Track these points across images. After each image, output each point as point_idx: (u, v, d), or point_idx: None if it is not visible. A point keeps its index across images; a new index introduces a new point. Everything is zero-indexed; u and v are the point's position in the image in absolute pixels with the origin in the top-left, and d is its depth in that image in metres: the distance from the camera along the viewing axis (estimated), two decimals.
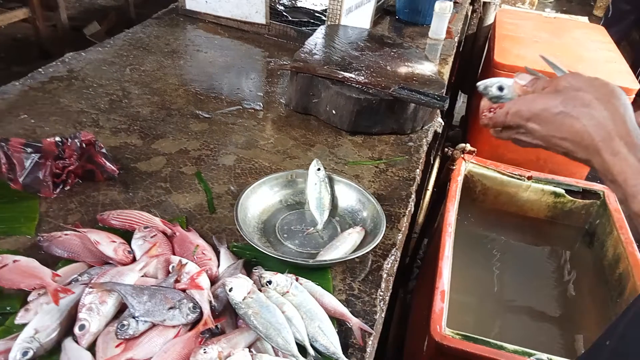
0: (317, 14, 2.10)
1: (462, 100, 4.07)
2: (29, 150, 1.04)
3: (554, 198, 1.91)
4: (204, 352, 0.74)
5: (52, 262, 0.89)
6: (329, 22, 1.85)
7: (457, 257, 1.58)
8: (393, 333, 1.96)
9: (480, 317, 1.86)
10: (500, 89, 0.71)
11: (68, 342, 0.76)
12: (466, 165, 1.89)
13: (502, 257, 2.11)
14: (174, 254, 0.94)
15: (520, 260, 2.11)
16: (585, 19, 3.56)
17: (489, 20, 3.09)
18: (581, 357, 0.80)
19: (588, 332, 1.75)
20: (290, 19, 2.05)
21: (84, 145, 1.07)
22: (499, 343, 1.26)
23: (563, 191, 1.88)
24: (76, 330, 0.76)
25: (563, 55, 2.67)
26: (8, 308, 0.80)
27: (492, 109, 0.72)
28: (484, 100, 0.75)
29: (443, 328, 1.29)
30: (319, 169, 1.13)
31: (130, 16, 4.62)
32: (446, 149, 1.79)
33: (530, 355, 1.25)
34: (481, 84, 0.74)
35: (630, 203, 0.58)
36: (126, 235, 0.96)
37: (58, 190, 1.07)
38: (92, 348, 0.76)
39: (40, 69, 1.55)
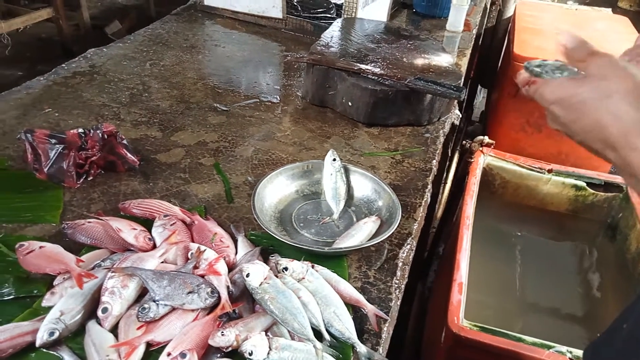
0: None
1: (482, 95, 4.03)
2: (53, 141, 1.07)
3: (575, 191, 1.88)
4: (222, 335, 0.75)
5: (76, 248, 0.91)
6: (345, 15, 1.86)
7: (475, 252, 1.57)
8: (412, 327, 1.96)
9: (499, 314, 1.84)
10: (539, 66, 0.71)
11: (92, 324, 0.78)
12: (484, 158, 1.88)
13: (522, 252, 2.09)
14: (192, 241, 0.96)
15: (540, 255, 2.09)
16: (608, 10, 3.49)
17: (509, 12, 3.05)
18: (598, 340, 0.79)
19: None
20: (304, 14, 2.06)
21: (105, 136, 1.10)
22: (517, 335, 1.26)
23: (584, 184, 1.85)
24: (99, 313, 0.79)
25: None
26: (35, 291, 0.83)
27: (529, 83, 0.72)
28: (523, 72, 0.75)
29: (461, 319, 1.28)
30: (334, 159, 1.14)
31: (150, 14, 4.69)
32: (464, 142, 1.78)
33: (549, 347, 1.24)
34: (526, 63, 0.75)
35: None
36: (147, 223, 0.98)
37: (81, 180, 1.10)
38: (114, 330, 0.78)
39: (63, 65, 1.59)
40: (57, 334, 0.75)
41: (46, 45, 4.32)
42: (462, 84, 1.44)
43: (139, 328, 0.78)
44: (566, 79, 0.66)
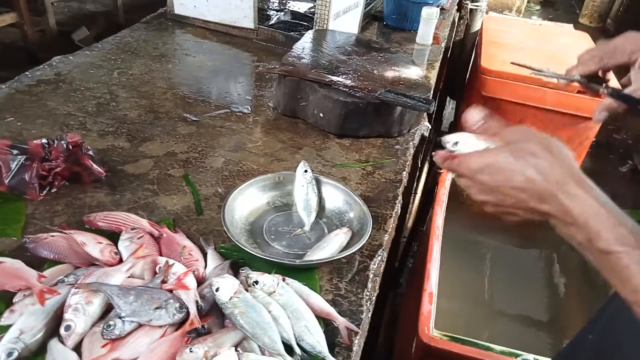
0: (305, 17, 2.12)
1: (450, 106, 4.11)
2: (15, 152, 1.03)
3: None
4: (190, 351, 0.74)
5: (38, 263, 0.88)
6: (317, 27, 1.87)
7: (445, 261, 1.59)
8: (383, 336, 1.97)
9: (469, 322, 1.87)
10: (455, 143, 0.74)
11: (54, 343, 0.75)
12: None
13: (491, 261, 2.13)
14: (161, 255, 0.94)
15: (508, 263, 2.13)
16: (570, 26, 3.62)
17: (476, 26, 3.13)
18: (564, 351, 0.81)
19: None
20: (277, 22, 2.07)
21: (70, 147, 1.07)
22: (486, 344, 1.28)
23: None
24: (62, 330, 0.76)
25: (549, 61, 2.71)
26: None
27: (449, 158, 0.74)
28: (440, 151, 0.77)
29: (431, 329, 1.30)
30: (306, 171, 1.14)
31: (119, 21, 4.61)
32: (433, 153, 1.81)
33: (517, 355, 1.26)
34: (442, 138, 0.77)
35: (595, 242, 0.58)
36: (113, 237, 0.96)
37: (44, 192, 1.06)
38: (78, 348, 0.75)
39: (27, 72, 1.55)
40: (16, 354, 0.72)
41: (10, 51, 4.20)
42: (431, 96, 1.47)
43: (103, 346, 0.75)
44: (487, 149, 0.68)
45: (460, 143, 0.73)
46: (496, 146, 0.67)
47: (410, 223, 2.28)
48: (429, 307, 1.35)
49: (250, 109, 1.54)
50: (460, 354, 1.25)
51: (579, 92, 2.42)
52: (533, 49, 2.89)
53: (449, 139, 0.75)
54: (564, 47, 2.95)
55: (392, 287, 2.28)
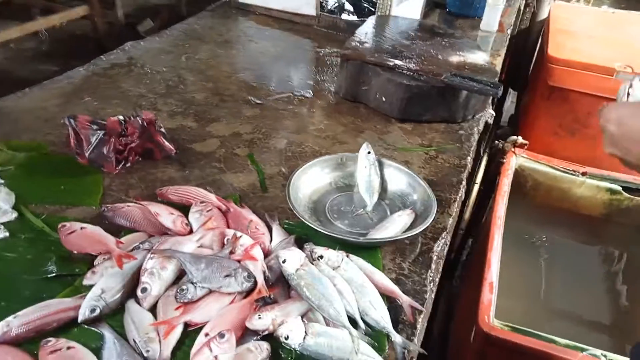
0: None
1: (510, 99, 3.97)
2: (95, 127, 1.10)
3: (610, 195, 1.84)
4: (259, 318, 0.76)
5: (116, 231, 0.93)
6: (379, 13, 1.86)
7: (503, 254, 1.54)
8: (438, 327, 1.94)
9: (523, 319, 1.81)
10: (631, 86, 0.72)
11: (131, 304, 0.80)
12: (516, 159, 1.85)
13: (552, 257, 2.05)
14: (228, 228, 0.97)
15: (571, 260, 2.04)
16: None
17: (543, 15, 3.00)
18: None
19: None
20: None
21: (145, 124, 1.12)
22: (549, 336, 1.23)
23: (620, 188, 1.81)
24: (139, 292, 0.80)
25: (622, 50, 2.56)
26: (77, 270, 0.85)
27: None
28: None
29: (491, 319, 1.26)
30: (369, 152, 1.14)
31: (182, 13, 4.76)
32: (496, 142, 1.75)
33: (583, 350, 1.21)
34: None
35: None
36: (183, 209, 1.00)
37: (120, 166, 1.12)
38: (153, 310, 0.79)
39: (102, 56, 1.63)
40: (98, 311, 0.77)
41: (81, 42, 4.42)
42: (498, 81, 1.42)
43: (176, 309, 0.79)
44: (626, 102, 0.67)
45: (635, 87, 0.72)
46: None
47: (468, 215, 2.23)
48: (490, 296, 1.31)
49: (311, 93, 1.55)
50: (522, 345, 1.20)
51: None
52: (604, 38, 2.73)
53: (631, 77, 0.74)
54: (638, 35, 2.78)
55: (447, 278, 2.24)
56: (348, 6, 2.13)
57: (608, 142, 0.68)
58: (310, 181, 1.11)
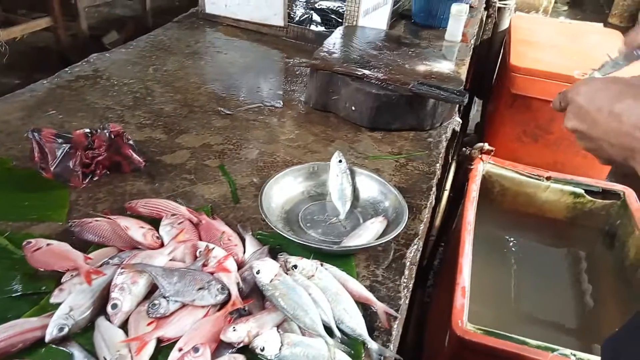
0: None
1: (476, 108, 4.07)
2: (60, 140, 1.07)
3: (574, 198, 1.90)
4: (234, 330, 0.75)
5: (84, 246, 0.91)
6: (346, 24, 1.88)
7: (474, 261, 1.56)
8: (411, 335, 1.96)
9: (494, 323, 1.84)
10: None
11: (101, 321, 0.78)
12: (484, 165, 1.89)
13: (520, 259, 2.10)
14: (200, 240, 0.95)
15: (538, 262, 2.09)
16: (600, 25, 3.56)
17: (504, 25, 3.10)
18: (617, 337, 0.78)
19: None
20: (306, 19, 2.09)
21: (112, 136, 1.10)
22: (521, 338, 1.26)
23: (582, 191, 1.87)
24: (109, 309, 0.78)
25: (580, 59, 2.67)
26: (43, 288, 0.82)
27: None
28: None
29: (465, 323, 1.29)
30: (340, 161, 1.14)
31: (148, 26, 4.71)
32: (464, 149, 1.80)
33: (553, 350, 1.24)
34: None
35: None
36: (154, 222, 0.98)
37: (87, 180, 1.09)
38: (123, 326, 0.77)
39: (66, 69, 1.59)
40: (66, 330, 0.74)
41: (44, 54, 4.32)
42: (463, 89, 1.46)
43: (149, 324, 0.77)
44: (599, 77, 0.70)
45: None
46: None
47: (438, 221, 2.26)
48: (462, 300, 1.34)
49: (281, 103, 1.56)
50: (495, 347, 1.23)
51: None
52: (563, 47, 2.85)
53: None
54: (595, 44, 2.90)
55: (420, 285, 2.26)
56: (316, 17, 2.15)
57: (573, 115, 0.70)
58: (283, 191, 1.11)
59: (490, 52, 3.21)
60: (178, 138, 1.31)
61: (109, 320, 0.78)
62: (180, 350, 0.73)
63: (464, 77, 1.87)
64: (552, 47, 2.84)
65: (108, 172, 1.13)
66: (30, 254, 0.86)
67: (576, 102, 0.69)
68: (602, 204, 1.88)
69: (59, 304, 0.78)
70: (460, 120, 1.62)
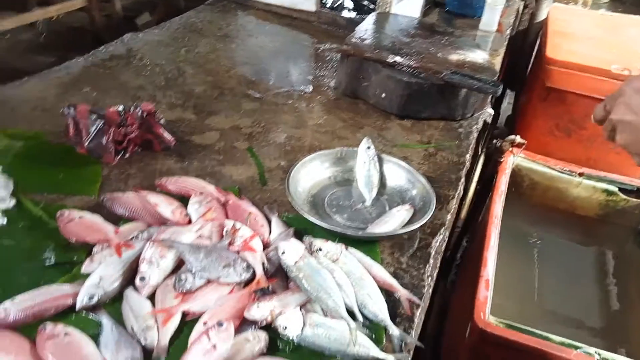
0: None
1: (507, 100, 3.99)
2: (94, 117, 1.09)
3: (606, 196, 1.85)
4: (257, 308, 0.76)
5: (114, 220, 0.93)
6: (379, 10, 1.86)
7: (499, 255, 1.54)
8: (432, 325, 1.95)
9: (517, 318, 1.81)
10: None
11: (129, 292, 0.80)
12: (514, 158, 1.86)
13: (546, 256, 2.06)
14: (227, 219, 0.96)
15: (565, 260, 2.05)
16: None
17: (541, 16, 3.01)
18: None
19: (633, 344, 1.66)
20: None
21: (144, 115, 1.12)
22: (544, 334, 1.24)
23: (616, 189, 1.82)
24: (137, 281, 0.80)
25: (619, 52, 2.57)
26: (75, 258, 0.85)
27: None
28: None
29: (487, 315, 1.27)
30: (368, 147, 1.14)
31: (180, 7, 4.74)
32: (495, 140, 1.76)
33: (577, 348, 1.22)
34: None
35: None
36: (182, 200, 1.00)
37: (119, 156, 1.12)
38: (151, 299, 0.79)
39: (101, 48, 1.62)
40: (96, 298, 0.76)
41: (78, 34, 4.40)
42: (497, 79, 1.43)
43: (175, 298, 0.79)
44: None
45: None
46: None
47: (464, 214, 2.23)
48: (486, 293, 1.32)
49: (311, 88, 1.55)
50: (517, 342, 1.21)
51: None
52: (601, 40, 2.75)
53: None
54: (635, 38, 2.79)
55: (442, 277, 2.25)
56: (348, 3, 2.13)
57: (625, 105, 0.69)
58: (310, 175, 1.11)
59: (525, 44, 3.13)
60: (208, 119, 1.33)
61: (137, 291, 0.80)
62: (204, 324, 0.74)
63: (498, 67, 1.83)
64: (590, 39, 2.75)
65: (139, 150, 1.15)
66: (63, 225, 0.88)
67: (628, 92, 0.68)
68: (636, 202, 1.82)
69: (89, 274, 0.80)
70: (492, 112, 1.59)
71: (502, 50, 2.00)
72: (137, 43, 1.70)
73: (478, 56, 1.55)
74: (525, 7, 3.01)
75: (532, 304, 1.87)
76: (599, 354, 1.21)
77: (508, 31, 2.28)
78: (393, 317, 0.82)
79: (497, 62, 1.87)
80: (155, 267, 0.81)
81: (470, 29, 2.18)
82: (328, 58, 1.77)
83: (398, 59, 1.43)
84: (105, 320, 0.75)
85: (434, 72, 1.38)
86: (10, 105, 1.27)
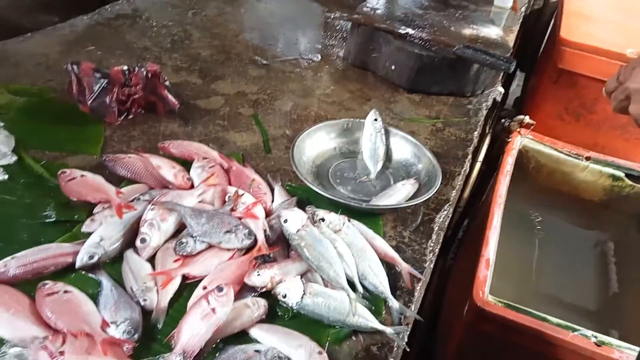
0: None
1: (517, 82, 3.93)
2: (98, 75, 1.07)
3: (612, 181, 1.83)
4: (258, 275, 0.75)
5: (116, 181, 0.92)
6: None
7: (500, 236, 1.53)
8: (430, 299, 1.96)
9: (515, 302, 1.82)
10: None
11: (130, 253, 0.79)
12: (521, 139, 1.83)
13: (547, 238, 2.05)
14: (230, 185, 0.95)
15: (566, 243, 2.05)
16: None
17: None
18: None
19: (627, 329, 1.67)
20: None
21: (149, 75, 1.10)
22: (542, 315, 1.24)
23: (623, 174, 1.80)
24: (138, 243, 0.79)
25: (635, 36, 2.52)
26: (76, 216, 0.84)
27: None
28: None
29: (486, 294, 1.27)
30: (375, 120, 1.12)
31: None
32: (503, 120, 1.74)
33: (574, 330, 1.22)
34: None
35: None
36: (185, 164, 0.98)
37: (122, 117, 1.10)
38: (151, 261, 0.79)
39: (106, 6, 1.59)
40: (96, 258, 0.76)
41: None
42: (511, 56, 1.40)
43: (175, 261, 0.78)
44: None
45: None
46: None
47: (467, 193, 2.22)
48: (486, 272, 1.32)
49: (319, 57, 1.52)
50: (514, 321, 1.21)
51: None
52: (618, 23, 2.68)
53: None
54: None
55: (441, 254, 2.25)
56: None
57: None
58: (315, 145, 1.10)
59: (538, 23, 3.06)
60: (213, 84, 1.30)
61: (138, 253, 0.79)
62: (204, 288, 0.74)
63: (511, 44, 1.79)
64: (607, 22, 2.68)
65: (143, 112, 1.14)
66: (64, 183, 0.87)
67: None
68: None
69: (90, 234, 0.80)
70: (503, 90, 1.56)
71: (516, 28, 1.96)
72: (143, 3, 1.66)
73: (492, 32, 1.52)
74: None
75: (530, 285, 1.88)
76: (595, 337, 1.21)
77: (523, 9, 2.22)
78: (393, 290, 0.82)
79: (511, 39, 1.83)
80: (156, 229, 0.80)
81: (485, 4, 2.12)
82: (338, 27, 1.73)
83: (410, 30, 1.39)
84: (105, 281, 0.74)
85: (446, 45, 1.34)
86: (13, 60, 1.25)
